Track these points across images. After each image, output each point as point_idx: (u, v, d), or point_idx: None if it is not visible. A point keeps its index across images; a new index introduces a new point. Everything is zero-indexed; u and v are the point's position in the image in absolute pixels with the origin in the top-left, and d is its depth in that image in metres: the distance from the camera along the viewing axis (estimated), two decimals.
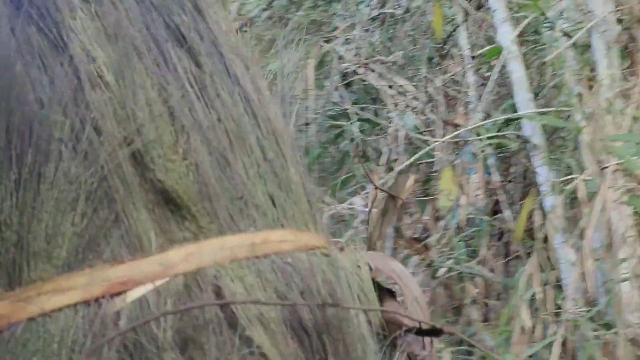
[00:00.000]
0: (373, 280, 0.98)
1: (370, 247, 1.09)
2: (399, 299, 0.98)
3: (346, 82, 4.50)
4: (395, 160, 4.37)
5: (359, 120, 4.36)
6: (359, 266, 0.98)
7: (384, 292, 0.99)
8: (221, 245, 0.86)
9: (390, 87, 4.45)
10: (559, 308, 2.44)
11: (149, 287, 0.81)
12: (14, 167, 0.78)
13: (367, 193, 4.20)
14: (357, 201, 4.14)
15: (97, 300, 0.79)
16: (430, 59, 4.48)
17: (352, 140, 4.26)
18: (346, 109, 4.31)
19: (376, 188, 1.12)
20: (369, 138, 4.38)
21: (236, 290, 0.83)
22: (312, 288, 0.89)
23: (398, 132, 4.38)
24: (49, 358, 0.76)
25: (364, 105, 4.38)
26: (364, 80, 4.50)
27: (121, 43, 0.88)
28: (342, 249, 1.03)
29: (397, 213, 1.11)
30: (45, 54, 0.85)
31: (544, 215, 3.56)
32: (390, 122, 4.40)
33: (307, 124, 4.36)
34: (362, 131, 4.33)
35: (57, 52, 0.85)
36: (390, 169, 4.29)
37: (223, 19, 1.05)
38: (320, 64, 4.38)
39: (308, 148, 4.28)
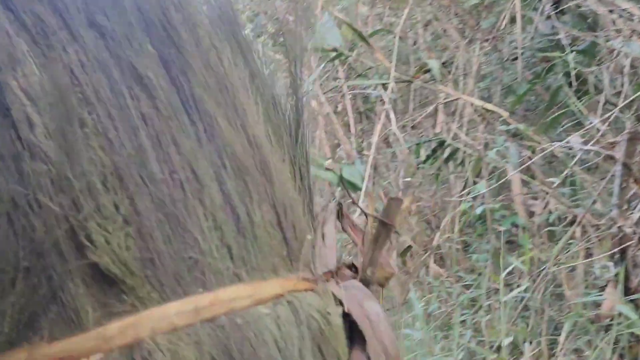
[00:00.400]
0: (348, 319, 0.93)
1: (363, 275, 1.02)
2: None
3: (559, 10, 4.16)
4: (619, 93, 3.99)
5: (574, 51, 4.03)
6: (328, 312, 0.92)
7: (357, 336, 0.93)
8: (161, 315, 0.85)
9: (612, 11, 4.05)
10: None
11: None
12: None
13: (587, 129, 3.89)
14: (575, 139, 3.85)
15: None
16: None
17: (565, 73, 3.96)
18: (559, 40, 4.00)
19: (366, 215, 1.03)
20: (587, 69, 4.05)
21: None
22: (261, 352, 0.85)
23: (622, 61, 4.00)
24: None
25: (579, 34, 4.04)
26: (579, 7, 4.14)
27: (65, 100, 0.87)
28: (327, 280, 0.98)
29: (389, 240, 1.03)
30: None
31: None
32: (612, 51, 4.03)
33: (514, 59, 4.10)
34: (578, 63, 4.01)
35: (2, 117, 0.86)
36: (613, 104, 3.93)
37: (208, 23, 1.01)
38: None
39: (514, 86, 4.03)
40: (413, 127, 4.59)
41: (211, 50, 1.01)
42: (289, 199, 1.01)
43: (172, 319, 0.85)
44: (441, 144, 3.90)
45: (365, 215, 1.07)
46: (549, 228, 3.63)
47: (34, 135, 0.86)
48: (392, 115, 3.90)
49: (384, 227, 1.04)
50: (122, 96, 0.91)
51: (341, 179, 3.43)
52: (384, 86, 4.04)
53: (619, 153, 3.81)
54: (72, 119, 0.87)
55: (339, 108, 5.06)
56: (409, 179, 4.37)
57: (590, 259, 3.62)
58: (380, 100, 4.44)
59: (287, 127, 1.14)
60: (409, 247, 4.10)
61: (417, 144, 4.14)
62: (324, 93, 4.96)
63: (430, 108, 4.29)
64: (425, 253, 4.14)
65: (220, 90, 0.99)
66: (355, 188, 3.57)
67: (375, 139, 3.73)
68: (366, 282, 1.03)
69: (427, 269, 4.06)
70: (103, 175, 0.87)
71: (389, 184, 4.48)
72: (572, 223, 3.69)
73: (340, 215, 1.16)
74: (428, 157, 3.99)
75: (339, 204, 1.19)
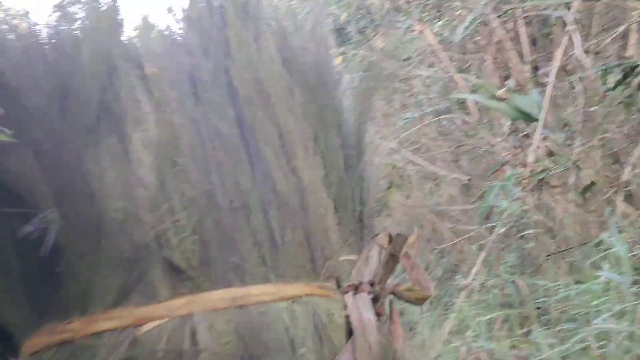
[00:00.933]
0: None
1: (374, 290, 1.35)
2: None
3: None
4: None
5: None
6: (333, 313, 1.28)
7: (352, 335, 1.27)
8: (209, 298, 1.25)
9: None
10: None
11: (155, 323, 1.25)
12: (79, 243, 1.28)
13: None
14: None
15: (126, 328, 1.26)
16: None
17: None
18: None
19: (380, 247, 1.37)
20: None
21: (204, 333, 1.22)
22: (272, 333, 1.23)
23: None
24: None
25: None
26: None
27: (166, 148, 1.31)
28: (347, 291, 1.33)
29: (395, 267, 1.35)
30: (118, 160, 1.31)
31: None
32: None
33: None
34: None
35: (124, 157, 1.31)
36: None
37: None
38: None
39: None
40: (597, 53, 4.03)
41: (279, 113, 1.41)
42: (324, 229, 1.38)
43: (216, 302, 1.25)
44: (633, 68, 3.40)
45: (380, 247, 1.40)
46: None
47: (143, 172, 1.30)
48: (576, 37, 3.49)
49: (392, 257, 1.37)
50: (204, 147, 1.33)
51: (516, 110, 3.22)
52: (567, 5, 3.63)
53: None
54: (167, 161, 1.31)
55: (511, 34, 4.51)
56: (592, 109, 3.93)
57: None
58: (562, 21, 3.91)
59: (345, 171, 1.51)
60: (592, 183, 3.72)
61: (604, 69, 3.61)
62: (498, 16, 4.44)
63: (620, 29, 3.75)
64: (612, 190, 3.72)
65: (280, 144, 1.38)
66: (531, 119, 3.35)
67: (555, 64, 3.39)
68: (376, 296, 1.37)
69: (613, 207, 3.66)
70: (182, 200, 1.29)
71: (568, 114, 4.08)
72: None
73: (390, 242, 1.51)
74: (617, 84, 3.50)
75: (389, 235, 1.54)
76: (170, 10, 1.51)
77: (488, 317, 3.68)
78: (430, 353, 3.41)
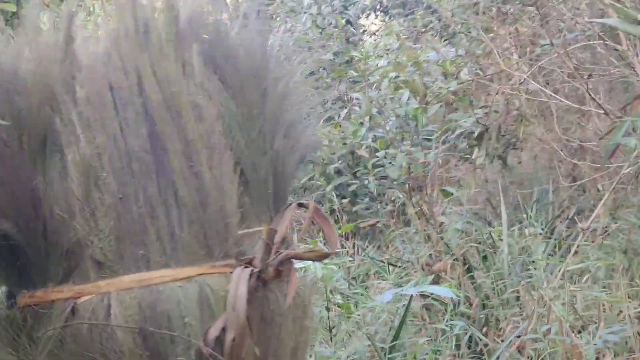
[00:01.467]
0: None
1: (259, 264, 1.76)
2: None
3: None
4: None
5: None
6: (216, 288, 1.70)
7: None
8: (122, 281, 1.72)
9: None
10: None
11: (87, 297, 1.73)
12: (33, 239, 1.75)
13: None
14: None
15: (68, 299, 1.75)
16: None
17: None
18: None
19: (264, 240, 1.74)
20: None
21: (116, 306, 1.69)
22: (166, 306, 1.69)
23: None
24: (54, 322, 1.75)
25: None
26: None
27: (90, 165, 1.74)
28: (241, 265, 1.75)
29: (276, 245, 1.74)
30: (60, 174, 1.76)
31: None
32: None
33: None
34: None
35: (62, 175, 1.76)
36: None
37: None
38: None
39: None
40: None
41: (189, 124, 1.79)
42: (222, 218, 1.78)
43: (127, 284, 1.71)
44: None
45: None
46: None
47: (73, 185, 1.74)
48: None
49: (271, 234, 1.77)
50: (121, 165, 1.75)
51: None
52: None
53: None
54: (91, 178, 1.74)
55: None
56: None
57: None
58: None
59: (262, 155, 1.88)
60: None
61: None
62: None
63: None
64: None
65: (186, 153, 1.77)
66: None
67: None
68: (261, 269, 1.77)
69: None
70: (103, 207, 1.73)
71: None
72: None
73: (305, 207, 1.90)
74: None
75: (299, 204, 1.92)
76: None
77: (608, 263, 3.49)
78: (544, 295, 3.31)
